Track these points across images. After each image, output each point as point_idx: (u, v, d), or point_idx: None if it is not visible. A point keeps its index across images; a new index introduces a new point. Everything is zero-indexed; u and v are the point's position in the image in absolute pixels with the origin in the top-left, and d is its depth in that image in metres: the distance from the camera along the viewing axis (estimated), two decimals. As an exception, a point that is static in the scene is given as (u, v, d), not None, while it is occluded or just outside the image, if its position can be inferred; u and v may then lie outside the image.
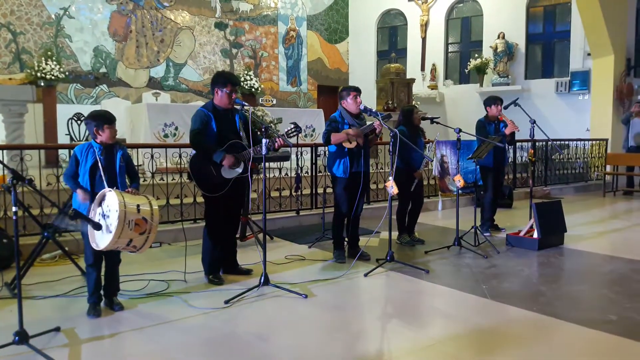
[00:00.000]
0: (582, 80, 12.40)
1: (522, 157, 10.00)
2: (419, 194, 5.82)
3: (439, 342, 3.18)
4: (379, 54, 15.80)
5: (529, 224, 5.71)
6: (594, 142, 11.27)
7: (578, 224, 6.82)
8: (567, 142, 10.89)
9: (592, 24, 11.10)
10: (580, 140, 11.13)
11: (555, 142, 9.23)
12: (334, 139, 4.75)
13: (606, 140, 11.30)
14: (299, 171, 6.69)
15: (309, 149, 7.14)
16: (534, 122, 6.07)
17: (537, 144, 9.70)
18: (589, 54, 12.06)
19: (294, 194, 6.87)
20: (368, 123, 4.89)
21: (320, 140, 9.09)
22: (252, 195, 6.26)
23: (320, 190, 6.94)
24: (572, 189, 10.51)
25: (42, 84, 9.51)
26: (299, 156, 6.75)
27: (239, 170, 4.19)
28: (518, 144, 9.23)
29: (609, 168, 10.80)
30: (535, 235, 5.51)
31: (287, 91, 14.77)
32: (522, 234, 5.67)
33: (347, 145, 4.77)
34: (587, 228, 6.71)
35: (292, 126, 4.27)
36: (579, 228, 6.51)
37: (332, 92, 15.49)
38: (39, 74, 9.54)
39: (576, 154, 11.00)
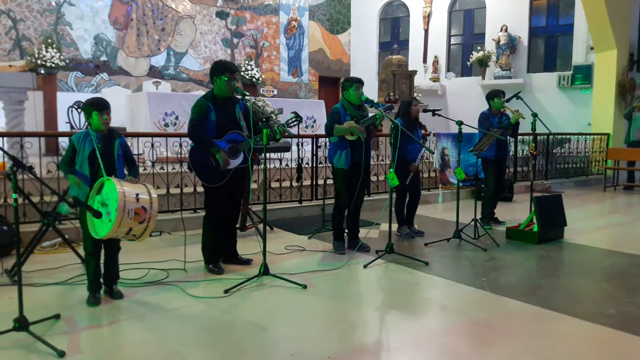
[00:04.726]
0: (585, 74, 12.35)
1: (523, 151, 9.98)
2: (416, 186, 5.81)
3: (437, 333, 3.19)
4: (381, 46, 15.74)
5: (529, 217, 5.71)
6: (595, 136, 11.25)
7: (578, 218, 6.82)
8: (568, 137, 10.88)
9: (596, 18, 11.03)
10: (582, 134, 11.12)
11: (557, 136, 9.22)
12: (338, 131, 4.73)
13: (607, 134, 11.28)
14: (300, 161, 6.68)
15: (309, 139, 7.13)
16: (536, 115, 6.05)
17: (538, 137, 9.67)
18: (591, 48, 12.00)
19: (294, 184, 6.86)
20: (370, 115, 4.88)
21: (320, 131, 9.09)
22: (253, 185, 6.25)
23: (320, 182, 6.94)
24: (572, 183, 10.50)
25: (43, 71, 9.48)
26: (299, 147, 6.73)
27: (239, 160, 4.18)
28: (519, 137, 9.20)
29: (610, 163, 10.80)
30: (535, 228, 5.51)
31: (288, 82, 14.72)
32: (522, 227, 5.67)
33: (349, 137, 4.75)
34: (587, 222, 6.71)
35: (293, 115, 4.24)
36: (579, 222, 6.51)
37: (333, 83, 15.45)
38: (39, 62, 9.51)
39: (577, 148, 10.99)
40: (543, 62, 13.45)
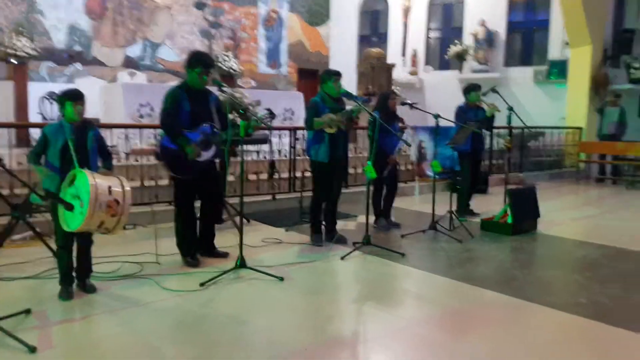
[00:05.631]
0: (560, 69, 12.54)
1: (498, 144, 10.09)
2: (393, 179, 5.84)
3: (413, 323, 3.22)
4: (361, 38, 15.71)
5: (503, 209, 5.78)
6: (568, 130, 11.45)
7: (551, 210, 6.93)
8: (543, 130, 11.04)
9: (572, 14, 11.18)
10: (556, 128, 11.30)
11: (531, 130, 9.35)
12: (317, 125, 4.70)
13: (580, 128, 11.49)
14: (273, 157, 6.60)
15: (287, 132, 7.09)
16: (512, 109, 6.12)
17: (513, 131, 9.78)
18: (567, 44, 12.18)
19: (268, 180, 6.81)
20: (348, 107, 4.87)
21: (299, 123, 9.06)
22: (230, 177, 6.20)
23: (298, 174, 6.91)
24: (546, 176, 10.68)
25: (14, 61, 9.22)
26: (277, 139, 6.68)
27: (210, 153, 4.12)
28: (495, 130, 9.30)
29: (582, 156, 11.01)
30: (510, 220, 5.59)
31: (266, 73, 14.60)
32: (496, 219, 5.75)
33: (328, 130, 4.73)
34: (560, 214, 6.83)
35: (267, 112, 4.21)
36: (552, 214, 6.62)
37: (312, 75, 15.35)
38: (9, 51, 9.23)
39: (551, 142, 11.16)
40: (520, 57, 13.61)
